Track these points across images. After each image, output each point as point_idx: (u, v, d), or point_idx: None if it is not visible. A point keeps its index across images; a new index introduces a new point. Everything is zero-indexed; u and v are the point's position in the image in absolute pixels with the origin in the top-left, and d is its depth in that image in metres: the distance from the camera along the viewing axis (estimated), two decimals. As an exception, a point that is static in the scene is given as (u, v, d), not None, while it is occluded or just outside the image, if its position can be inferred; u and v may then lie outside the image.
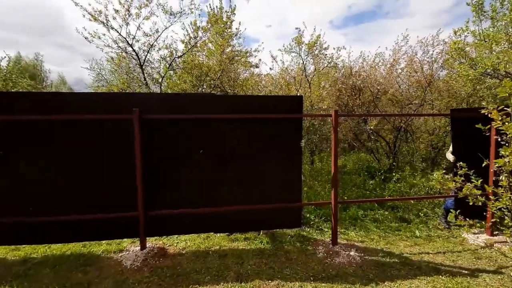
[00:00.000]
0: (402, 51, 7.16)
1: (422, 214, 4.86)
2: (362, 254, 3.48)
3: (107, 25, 5.19)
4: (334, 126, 3.52)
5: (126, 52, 5.75)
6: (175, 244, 3.62)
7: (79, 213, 3.18)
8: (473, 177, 2.38)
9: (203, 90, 6.08)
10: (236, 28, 9.79)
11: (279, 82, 7.41)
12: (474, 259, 3.44)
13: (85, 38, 5.31)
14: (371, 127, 6.27)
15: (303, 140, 3.66)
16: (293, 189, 3.64)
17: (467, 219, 2.48)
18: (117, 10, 5.11)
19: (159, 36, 5.67)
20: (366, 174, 7.29)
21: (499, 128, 2.16)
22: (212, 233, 3.88)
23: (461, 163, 2.49)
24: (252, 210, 3.53)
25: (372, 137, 7.20)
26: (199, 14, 10.23)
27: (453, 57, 5.18)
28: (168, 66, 5.77)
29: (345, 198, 5.42)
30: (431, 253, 3.59)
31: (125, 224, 3.31)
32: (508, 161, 1.91)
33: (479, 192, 2.44)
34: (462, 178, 2.43)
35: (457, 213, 2.35)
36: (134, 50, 5.61)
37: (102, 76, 11.45)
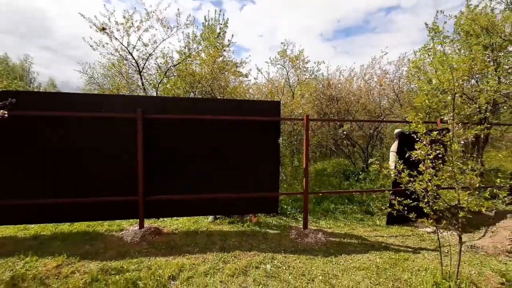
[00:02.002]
0: (376, 67, 8.07)
1: (384, 208, 5.60)
2: (328, 236, 4.13)
3: (110, 35, 5.79)
4: (305, 128, 4.23)
5: (126, 60, 6.34)
6: (169, 226, 4.18)
7: (88, 196, 3.72)
8: (404, 167, 3.00)
9: (195, 95, 6.71)
10: (229, 40, 10.57)
11: (264, 91, 8.14)
12: (419, 241, 4.17)
13: (91, 46, 5.89)
14: (344, 130, 7.04)
15: (280, 139, 4.34)
16: (272, 181, 4.30)
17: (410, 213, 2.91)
18: (121, 23, 5.73)
19: (157, 46, 6.31)
20: (342, 176, 8.05)
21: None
22: (202, 216, 4.47)
23: (397, 159, 3.19)
24: (236, 198, 4.14)
25: (348, 142, 7.99)
26: (196, 27, 10.97)
27: (412, 74, 6.04)
28: (164, 73, 6.39)
29: (320, 195, 6.11)
30: (385, 236, 4.30)
31: (126, 207, 3.85)
32: (417, 153, 2.60)
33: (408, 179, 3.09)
34: (394, 168, 3.10)
35: (402, 208, 2.79)
36: (133, 58, 6.22)
37: (95, 80, 11.88)
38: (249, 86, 9.26)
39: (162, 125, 3.94)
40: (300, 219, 4.92)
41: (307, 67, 7.96)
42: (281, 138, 4.33)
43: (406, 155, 2.76)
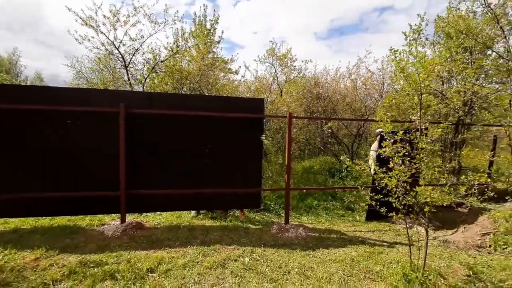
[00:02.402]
0: (362, 67, 8.22)
1: (364, 204, 5.76)
2: (308, 231, 4.24)
3: (97, 29, 5.73)
4: (288, 126, 4.31)
5: (112, 54, 6.28)
6: (151, 221, 4.22)
7: (71, 190, 3.72)
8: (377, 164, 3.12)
9: (182, 92, 6.71)
10: (219, 36, 10.54)
11: (252, 88, 8.21)
12: (395, 235, 4.33)
13: (76, 39, 5.82)
14: (330, 127, 7.18)
15: (263, 136, 4.42)
16: (255, 176, 4.37)
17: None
18: (107, 17, 5.69)
19: (144, 41, 6.28)
20: (327, 173, 8.20)
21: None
22: (186, 211, 4.52)
23: (374, 156, 3.32)
24: (219, 193, 4.21)
25: (333, 141, 8.14)
26: (185, 22, 10.88)
27: (396, 75, 6.19)
28: (151, 69, 6.37)
29: (304, 192, 6.23)
30: (363, 231, 4.44)
31: (109, 201, 3.87)
32: (385, 151, 2.72)
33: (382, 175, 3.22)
34: (371, 165, 3.24)
35: (374, 204, 2.92)
36: (120, 53, 6.18)
37: (83, 74, 11.68)
38: (239, 83, 9.33)
39: (146, 120, 3.95)
40: (283, 214, 5.01)
41: (295, 66, 8.08)
42: (264, 135, 4.40)
43: (377, 153, 2.88)
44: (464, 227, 4.39)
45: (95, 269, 2.78)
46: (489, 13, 4.18)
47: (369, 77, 7.84)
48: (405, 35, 3.45)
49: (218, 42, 10.98)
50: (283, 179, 7.25)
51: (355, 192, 6.08)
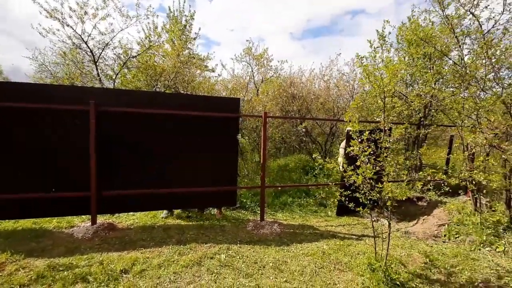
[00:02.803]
0: (334, 69, 8.58)
1: (335, 200, 6.05)
2: (283, 228, 4.39)
3: (63, 22, 5.40)
4: (263, 125, 4.42)
5: (80, 48, 5.96)
6: (124, 222, 4.12)
7: (39, 191, 3.53)
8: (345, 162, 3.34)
9: (157, 89, 6.56)
10: (195, 33, 10.35)
11: (229, 87, 8.23)
12: (363, 229, 4.62)
13: (40, 33, 5.43)
14: (304, 127, 7.42)
15: (239, 135, 4.49)
16: (230, 175, 4.43)
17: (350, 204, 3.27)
18: (74, 10, 5.38)
19: (114, 36, 6.03)
20: (302, 171, 8.46)
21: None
22: (160, 211, 4.46)
23: (342, 154, 3.52)
24: (194, 192, 4.21)
25: (308, 140, 8.42)
26: (158, 16, 10.55)
27: (364, 78, 6.56)
28: (122, 64, 6.14)
29: (279, 189, 6.40)
30: (334, 225, 4.69)
31: (77, 202, 3.72)
32: (352, 149, 2.93)
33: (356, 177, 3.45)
34: (340, 163, 3.45)
35: (343, 199, 3.14)
36: (88, 47, 5.88)
37: (46, 67, 10.91)
38: (216, 81, 9.28)
39: (118, 118, 3.84)
40: (259, 212, 5.13)
41: (271, 65, 8.22)
42: (240, 134, 4.47)
43: (345, 151, 3.07)
44: (423, 219, 4.80)
45: (65, 272, 2.68)
46: (445, 23, 4.56)
47: (340, 78, 8.21)
48: (370, 42, 3.71)
49: (194, 38, 10.79)
50: (259, 177, 7.38)
51: (327, 189, 6.36)
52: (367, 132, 2.88)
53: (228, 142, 4.36)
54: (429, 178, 2.87)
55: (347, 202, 3.23)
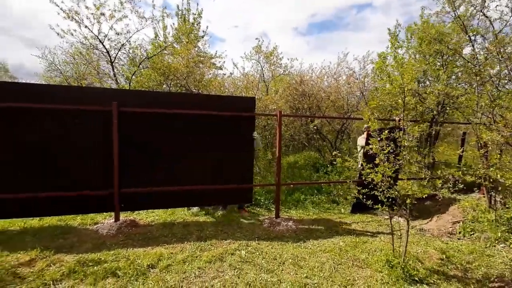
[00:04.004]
0: (344, 66, 8.56)
1: (349, 197, 6.11)
2: (298, 224, 4.47)
3: (80, 23, 5.52)
4: (278, 124, 4.48)
5: (96, 49, 6.08)
6: (145, 218, 4.25)
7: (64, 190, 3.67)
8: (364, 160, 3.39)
9: (170, 88, 6.66)
10: (203, 31, 10.43)
11: (239, 85, 8.30)
12: (378, 226, 4.67)
13: (57, 34, 5.56)
14: (315, 125, 7.45)
15: (255, 132, 4.56)
16: (246, 173, 4.52)
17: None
18: (91, 13, 5.48)
19: (130, 36, 6.14)
20: (312, 168, 8.51)
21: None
22: (179, 208, 4.59)
23: (361, 154, 3.56)
24: (212, 190, 4.31)
25: (318, 137, 8.45)
26: (167, 15, 10.64)
27: (377, 74, 6.56)
28: (138, 64, 6.25)
29: (291, 186, 6.46)
30: (349, 222, 4.75)
31: (100, 200, 3.85)
32: (371, 147, 2.98)
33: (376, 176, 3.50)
34: (358, 160, 3.50)
35: (361, 197, 3.21)
36: (105, 47, 6.00)
37: (55, 66, 11.10)
38: (224, 79, 9.34)
39: (136, 118, 3.95)
40: (273, 209, 5.21)
41: (281, 63, 8.24)
42: (255, 133, 4.54)
43: (365, 150, 3.13)
44: (438, 217, 4.83)
45: (95, 267, 2.81)
46: (456, 23, 4.55)
47: (351, 75, 8.19)
48: (391, 42, 3.72)
49: (202, 37, 10.89)
50: (271, 175, 7.47)
51: (339, 186, 6.41)
52: (386, 131, 2.93)
53: (245, 142, 4.44)
54: (448, 176, 2.91)
55: (364, 199, 3.29)
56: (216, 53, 9.80)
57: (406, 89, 2.86)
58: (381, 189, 3.07)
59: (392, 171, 2.85)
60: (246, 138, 4.45)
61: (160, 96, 4.38)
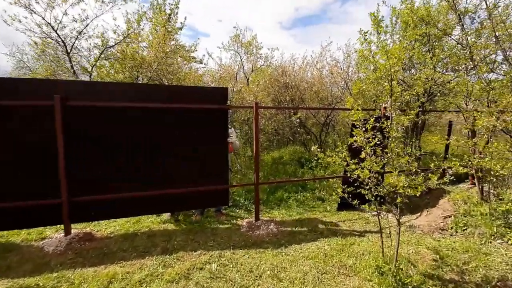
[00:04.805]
0: (327, 56, 8.18)
1: (334, 194, 5.76)
2: (280, 226, 4.06)
3: (29, 8, 4.81)
4: (255, 116, 4.02)
5: (51, 38, 5.38)
6: (104, 229, 3.71)
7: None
8: (350, 162, 2.97)
9: (138, 81, 6.06)
10: (181, 23, 9.83)
11: (216, 77, 7.77)
12: (365, 224, 4.34)
13: (4, 21, 4.85)
14: (298, 118, 7.06)
15: (232, 129, 4.10)
16: (221, 172, 4.04)
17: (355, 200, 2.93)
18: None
19: (88, 24, 5.47)
20: (297, 164, 8.14)
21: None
22: (143, 216, 4.06)
23: (343, 148, 3.17)
24: (181, 193, 3.82)
25: (302, 130, 8.07)
26: (136, 1, 9.90)
27: (359, 63, 6.21)
28: (99, 55, 5.60)
29: (274, 184, 6.05)
30: (334, 221, 4.38)
31: (47, 211, 3.29)
32: (355, 140, 2.59)
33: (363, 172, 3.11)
34: (340, 156, 3.07)
35: (347, 196, 2.81)
36: (59, 36, 5.31)
37: (24, 63, 10.24)
38: (203, 73, 8.80)
39: (89, 113, 3.39)
40: (253, 210, 4.79)
41: (261, 53, 7.76)
42: (232, 130, 4.08)
43: (349, 143, 2.72)
44: (428, 211, 4.55)
45: (27, 297, 2.29)
46: (445, 1, 4.22)
47: (334, 65, 7.83)
48: (374, 17, 3.32)
49: (180, 28, 10.27)
50: (252, 172, 7.03)
51: (325, 182, 6.05)
52: (372, 120, 2.53)
53: (218, 138, 3.96)
54: (443, 168, 2.56)
55: (350, 199, 2.91)
56: (193, 45, 9.21)
57: (392, 71, 2.46)
58: (368, 187, 2.69)
59: (380, 166, 2.47)
60: (220, 133, 3.97)
61: (112, 87, 3.76)
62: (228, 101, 4.15)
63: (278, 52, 13.69)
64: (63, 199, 3.23)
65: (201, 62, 9.79)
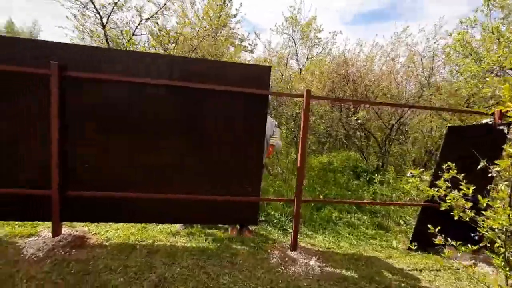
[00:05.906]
0: (402, 43, 6.51)
1: (402, 222, 4.31)
2: (324, 264, 2.91)
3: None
4: (305, 108, 2.90)
5: (87, 9, 5.02)
6: (102, 232, 3.02)
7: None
8: (463, 183, 1.79)
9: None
10: (236, 9, 9.31)
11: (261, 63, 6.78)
12: (454, 280, 2.91)
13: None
14: (358, 119, 5.65)
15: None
16: (249, 180, 3.03)
17: (448, 240, 1.92)
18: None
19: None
20: (351, 173, 6.73)
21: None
22: (147, 223, 3.29)
23: (449, 163, 1.89)
24: (196, 201, 2.94)
25: (361, 134, 6.60)
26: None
27: (456, 50, 4.55)
28: (134, 28, 5.08)
29: (321, 196, 4.82)
30: (405, 269, 3.04)
31: (40, 204, 2.72)
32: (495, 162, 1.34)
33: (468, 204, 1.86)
34: (448, 183, 1.83)
35: (436, 230, 1.80)
36: (95, 7, 4.90)
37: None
38: (250, 60, 7.95)
39: (94, 88, 2.70)
40: (290, 230, 3.70)
41: (320, 38, 6.45)
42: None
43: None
44: None
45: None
46: None
47: (413, 54, 6.15)
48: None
49: (235, 15, 9.80)
50: (294, 178, 5.92)
51: (392, 208, 4.62)
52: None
53: (251, 133, 2.96)
54: None
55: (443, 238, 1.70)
56: (247, 35, 8.51)
57: None
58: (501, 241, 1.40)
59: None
60: (252, 129, 2.96)
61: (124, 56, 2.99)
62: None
63: (341, 35, 11.80)
64: (52, 192, 2.60)
65: (252, 52, 9.03)
